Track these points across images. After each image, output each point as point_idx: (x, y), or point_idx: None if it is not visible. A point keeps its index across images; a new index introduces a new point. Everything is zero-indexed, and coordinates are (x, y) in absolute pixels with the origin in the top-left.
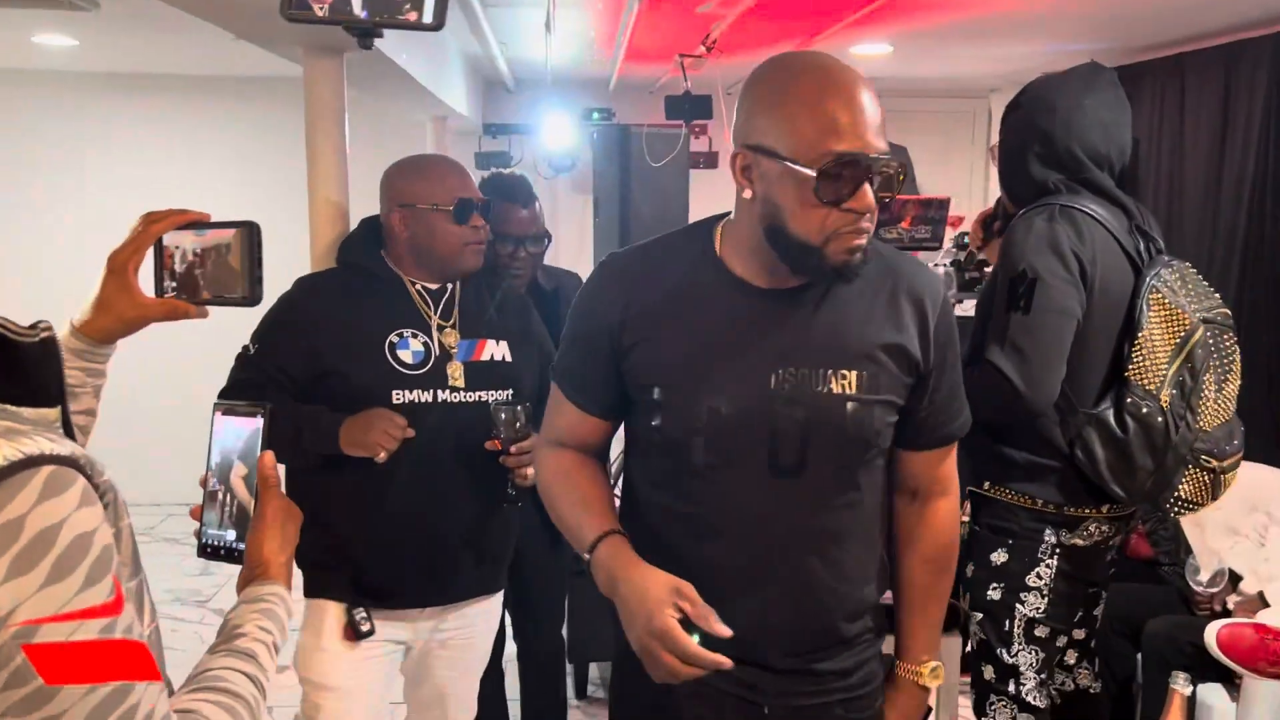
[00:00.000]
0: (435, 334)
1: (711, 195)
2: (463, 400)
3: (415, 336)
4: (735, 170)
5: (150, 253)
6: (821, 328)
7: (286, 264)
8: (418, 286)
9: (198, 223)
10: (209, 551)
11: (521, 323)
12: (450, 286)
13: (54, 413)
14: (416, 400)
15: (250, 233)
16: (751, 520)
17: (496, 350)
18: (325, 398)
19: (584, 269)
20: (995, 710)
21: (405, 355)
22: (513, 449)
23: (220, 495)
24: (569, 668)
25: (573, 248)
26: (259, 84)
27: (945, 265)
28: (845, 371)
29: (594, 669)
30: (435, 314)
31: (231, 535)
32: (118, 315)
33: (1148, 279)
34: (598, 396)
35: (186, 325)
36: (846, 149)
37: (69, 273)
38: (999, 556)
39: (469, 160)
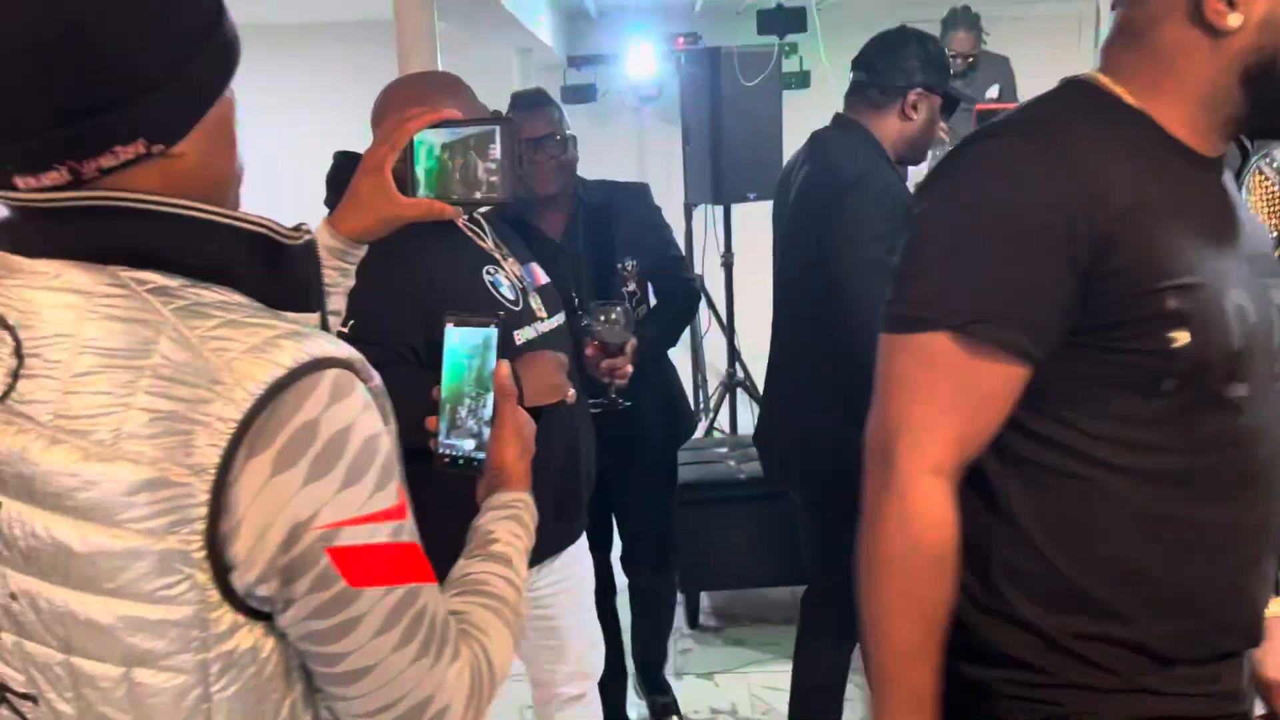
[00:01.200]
0: (507, 266)
1: (805, 119)
2: (551, 329)
3: (499, 270)
4: None
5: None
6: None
7: None
8: (461, 221)
9: (451, 121)
10: (446, 462)
11: (524, 244)
12: (479, 217)
13: (315, 317)
14: (530, 337)
15: (510, 129)
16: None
17: (542, 273)
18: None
19: (674, 201)
20: None
21: (505, 290)
22: (627, 348)
23: (454, 407)
24: (680, 597)
25: (660, 178)
26: (351, 29)
27: None
28: None
29: (705, 599)
30: (492, 245)
31: (469, 445)
32: (375, 215)
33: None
34: (1051, 327)
35: None
36: None
37: None
38: None
39: (555, 94)
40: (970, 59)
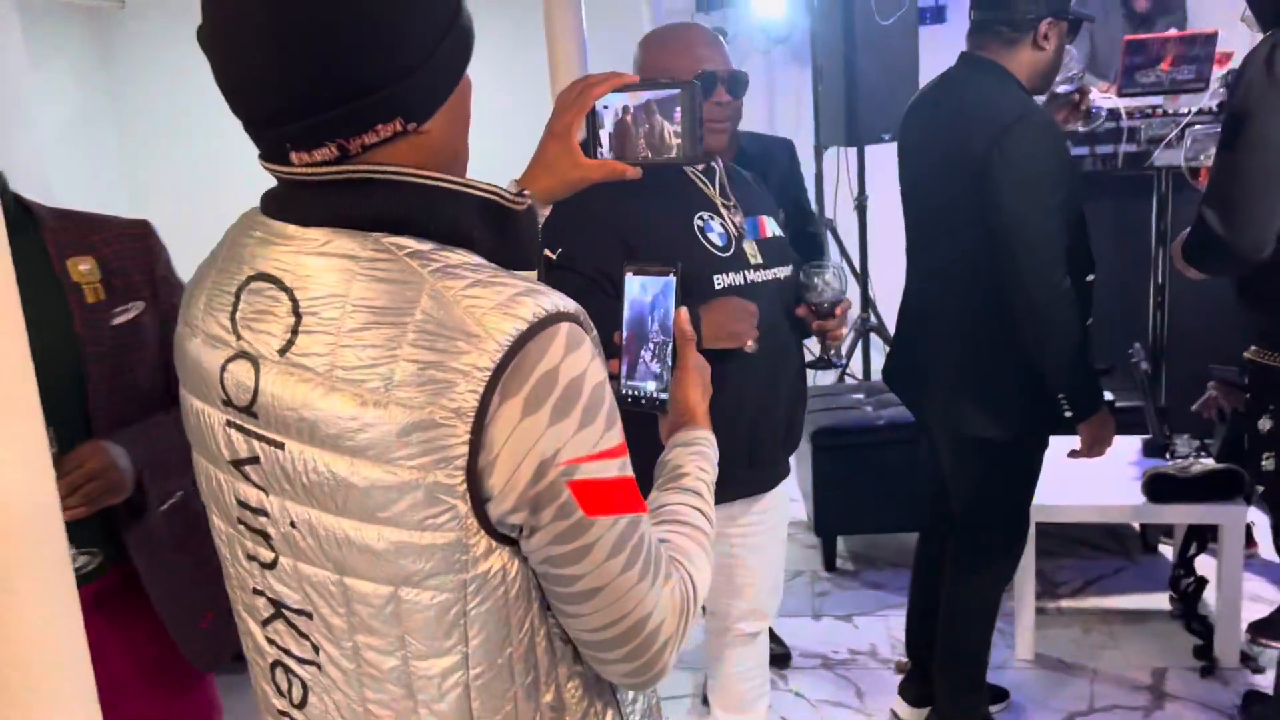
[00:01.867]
0: (726, 214)
1: (942, 55)
2: (765, 279)
3: (714, 218)
4: None
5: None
6: None
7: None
8: (689, 170)
9: (631, 85)
10: (629, 401)
11: (771, 197)
12: (714, 165)
13: (534, 274)
14: (733, 284)
15: (692, 93)
16: None
17: (770, 226)
18: None
19: (804, 143)
20: None
21: (714, 237)
22: (838, 310)
23: (636, 350)
24: (817, 540)
25: (789, 121)
26: None
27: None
28: None
29: (841, 543)
30: (716, 193)
31: (652, 386)
32: (561, 177)
33: None
34: None
35: None
36: None
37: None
38: (1264, 423)
39: None
40: None
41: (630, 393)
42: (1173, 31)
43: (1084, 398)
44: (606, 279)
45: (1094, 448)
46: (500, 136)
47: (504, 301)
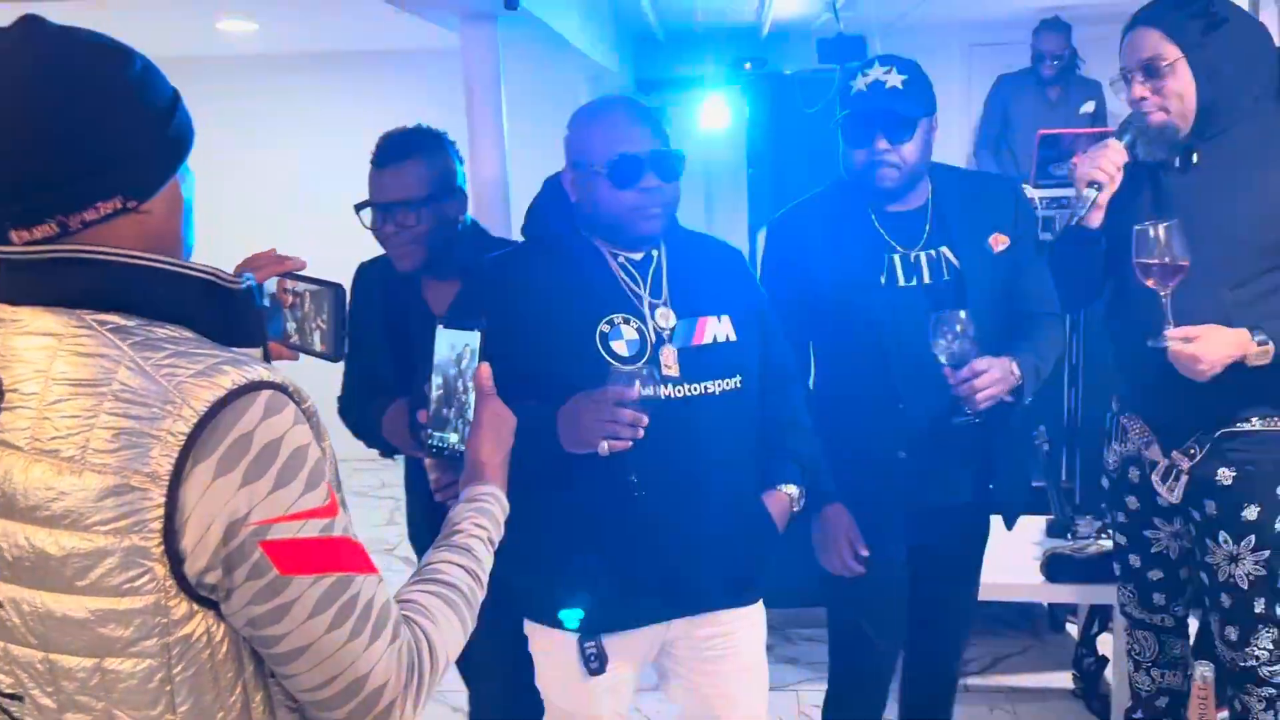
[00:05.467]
0: (649, 316)
1: None
2: (686, 395)
3: (627, 322)
4: None
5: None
6: None
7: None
8: (620, 259)
9: (292, 272)
10: (434, 450)
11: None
12: (655, 254)
13: (257, 351)
14: (649, 394)
15: (336, 292)
16: None
17: (719, 329)
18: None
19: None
20: (1259, 638)
21: (619, 346)
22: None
23: (443, 401)
24: None
25: (727, 205)
26: (419, 58)
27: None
28: None
29: None
30: (646, 291)
31: (454, 438)
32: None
33: None
34: None
35: None
36: None
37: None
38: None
39: None
40: (1058, 60)
41: (435, 444)
42: (1084, 129)
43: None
44: (519, 376)
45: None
46: None
47: (203, 370)
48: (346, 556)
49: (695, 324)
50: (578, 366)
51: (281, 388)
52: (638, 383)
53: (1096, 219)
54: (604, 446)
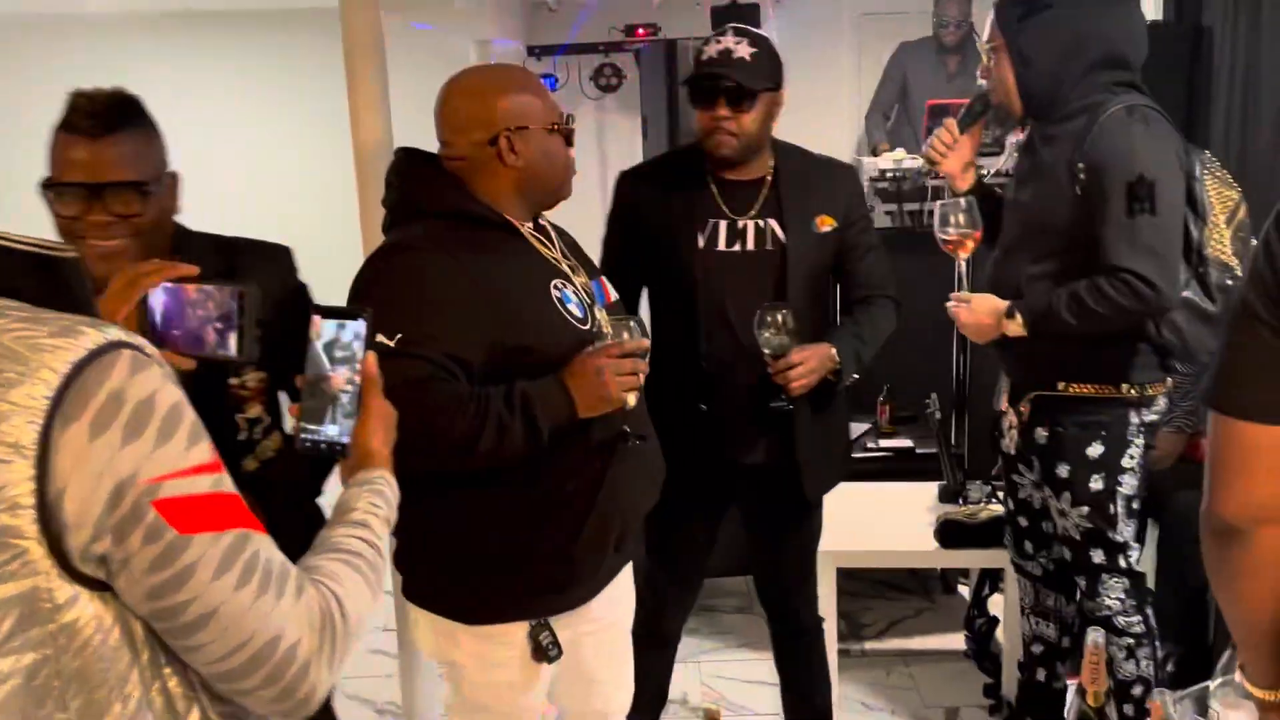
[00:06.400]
0: (575, 279)
1: None
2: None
3: (567, 285)
4: None
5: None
6: None
7: (335, 198)
8: (526, 228)
9: (188, 278)
10: (308, 446)
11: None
12: (543, 224)
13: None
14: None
15: (254, 293)
16: None
17: (610, 289)
18: (507, 381)
19: None
20: (1108, 588)
21: (573, 308)
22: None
23: (318, 394)
24: None
25: (621, 166)
26: (299, 17)
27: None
28: None
29: None
30: (558, 254)
31: (333, 430)
32: None
33: (1198, 163)
34: None
35: None
36: None
37: None
38: (1095, 449)
39: None
40: (959, 27)
41: (309, 438)
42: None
43: None
44: (457, 363)
45: None
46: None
47: (59, 330)
48: (240, 513)
49: (601, 284)
50: (558, 336)
51: (140, 349)
52: (636, 330)
53: (962, 184)
54: (631, 399)
